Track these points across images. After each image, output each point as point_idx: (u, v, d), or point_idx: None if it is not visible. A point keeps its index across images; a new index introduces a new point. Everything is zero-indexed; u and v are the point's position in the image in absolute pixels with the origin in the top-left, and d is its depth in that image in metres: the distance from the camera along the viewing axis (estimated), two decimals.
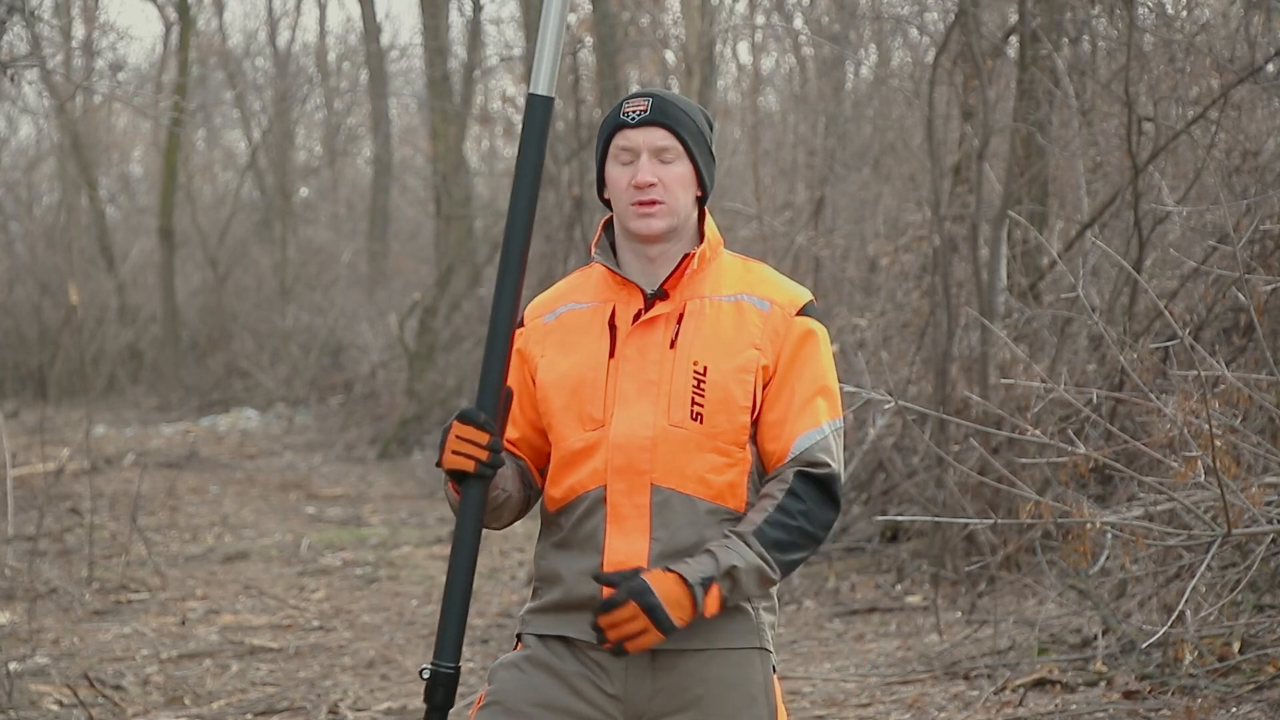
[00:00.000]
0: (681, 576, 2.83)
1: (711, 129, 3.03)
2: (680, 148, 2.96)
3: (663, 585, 2.82)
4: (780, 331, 2.97)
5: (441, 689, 2.89)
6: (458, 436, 2.89)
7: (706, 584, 2.83)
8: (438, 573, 9.73)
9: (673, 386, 2.94)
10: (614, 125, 2.98)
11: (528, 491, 3.07)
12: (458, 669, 2.91)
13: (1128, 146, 7.76)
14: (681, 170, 2.97)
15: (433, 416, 15.92)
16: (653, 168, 2.95)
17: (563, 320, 3.03)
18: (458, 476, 2.91)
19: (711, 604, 2.84)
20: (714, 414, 2.92)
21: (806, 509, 2.90)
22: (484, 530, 3.04)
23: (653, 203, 2.95)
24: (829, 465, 2.92)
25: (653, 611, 2.80)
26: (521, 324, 3.07)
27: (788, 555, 2.89)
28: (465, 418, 2.89)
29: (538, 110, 2.97)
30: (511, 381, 3.03)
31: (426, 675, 2.89)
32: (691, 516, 2.92)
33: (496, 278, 2.95)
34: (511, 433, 3.05)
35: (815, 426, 2.93)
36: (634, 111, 2.96)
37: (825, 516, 2.93)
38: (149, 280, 25.62)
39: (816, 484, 2.92)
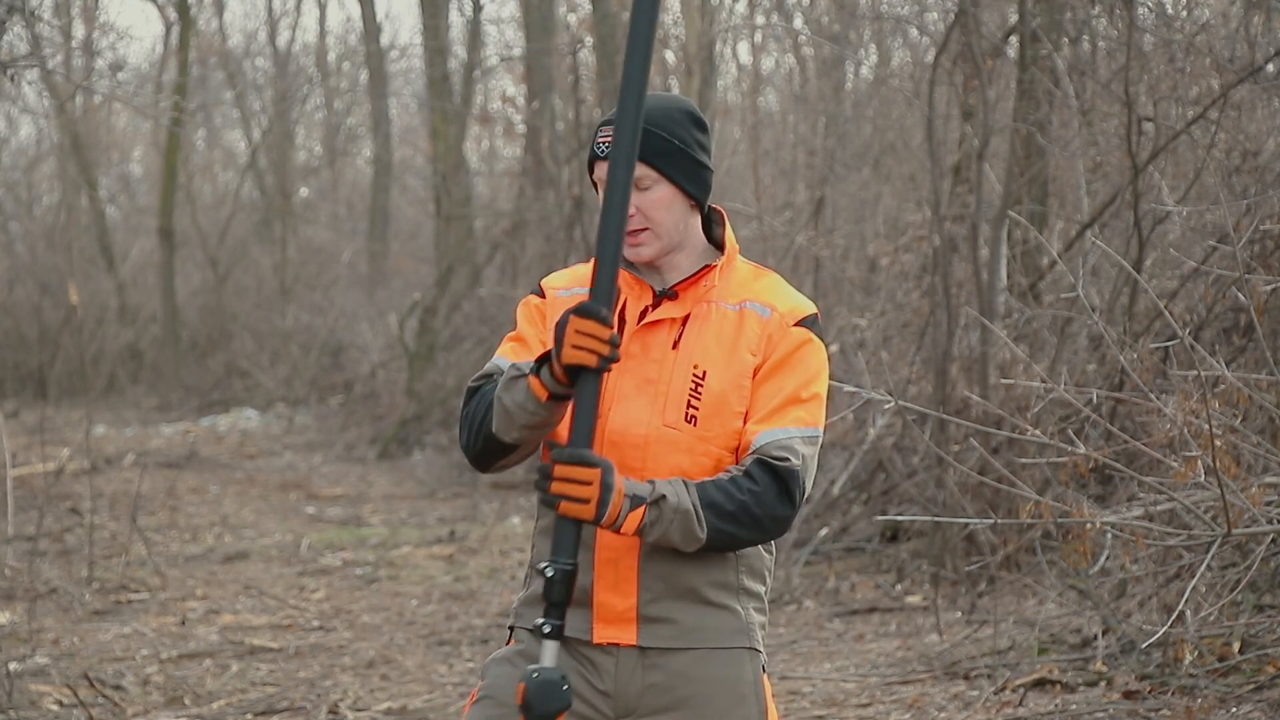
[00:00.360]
0: (621, 486, 2.84)
1: (702, 129, 2.99)
2: (655, 173, 2.94)
3: (616, 480, 2.82)
4: (774, 337, 2.97)
5: (562, 585, 2.83)
6: (578, 331, 2.80)
7: (636, 502, 2.82)
8: (438, 573, 9.74)
9: (670, 388, 2.94)
10: (590, 156, 2.98)
11: None
12: (576, 565, 2.85)
13: (1128, 146, 7.76)
14: (660, 194, 2.95)
15: (433, 416, 15.92)
16: (630, 198, 2.92)
17: (576, 300, 3.02)
18: (574, 372, 2.84)
19: (631, 522, 2.82)
20: (708, 418, 2.93)
21: (756, 490, 2.88)
22: (490, 462, 3.01)
23: (637, 232, 2.95)
24: (789, 460, 2.91)
25: (606, 490, 2.79)
26: (541, 294, 3.08)
27: (722, 523, 2.86)
28: (584, 312, 2.80)
29: (646, 2, 2.89)
30: (532, 328, 3.04)
31: (550, 573, 2.83)
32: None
33: (609, 173, 2.85)
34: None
35: (781, 427, 2.93)
36: (603, 143, 2.94)
37: (776, 508, 2.89)
38: (149, 280, 25.64)
39: (773, 474, 2.90)
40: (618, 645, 2.94)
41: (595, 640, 2.94)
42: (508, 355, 3.03)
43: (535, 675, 2.79)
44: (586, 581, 2.94)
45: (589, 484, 2.78)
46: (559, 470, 2.78)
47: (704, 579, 2.95)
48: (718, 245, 3.05)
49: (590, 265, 3.05)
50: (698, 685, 2.95)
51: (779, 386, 2.95)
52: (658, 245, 2.97)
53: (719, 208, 3.06)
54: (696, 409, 2.93)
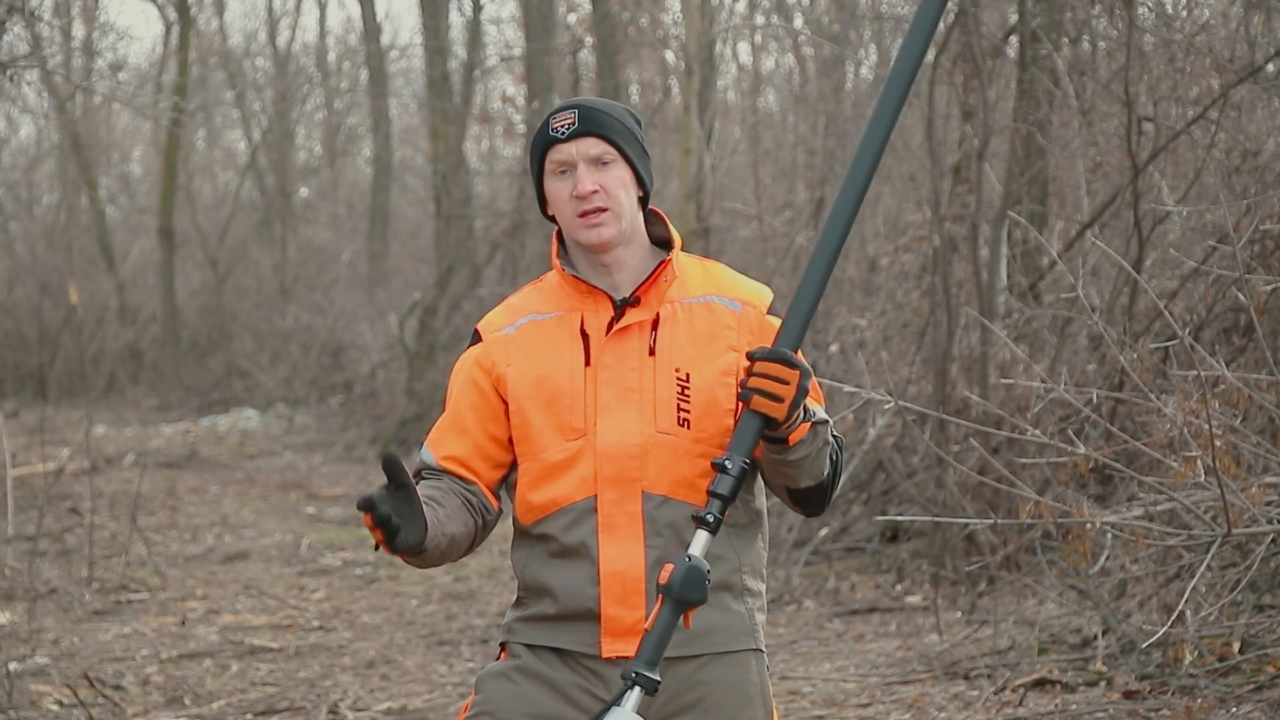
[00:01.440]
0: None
1: (640, 126, 3.02)
2: (615, 151, 2.95)
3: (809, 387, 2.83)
4: (755, 331, 2.98)
5: (737, 481, 2.83)
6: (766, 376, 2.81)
7: (809, 416, 2.85)
8: (438, 573, 9.73)
9: (657, 394, 2.93)
10: (545, 142, 2.96)
11: (481, 518, 3.00)
12: (751, 462, 2.87)
13: (1128, 146, 7.76)
14: (620, 173, 2.95)
15: (432, 416, 15.86)
16: (591, 175, 2.93)
17: (525, 331, 3.00)
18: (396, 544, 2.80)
19: (799, 433, 2.84)
20: (700, 419, 2.92)
21: (839, 456, 2.98)
22: (460, 553, 2.99)
23: (598, 210, 2.93)
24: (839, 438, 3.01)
25: (801, 393, 2.79)
26: (478, 339, 3.03)
27: (833, 471, 2.93)
28: (361, 509, 2.77)
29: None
30: (466, 396, 3.00)
31: (729, 465, 2.80)
32: (684, 522, 2.91)
33: (838, 208, 2.90)
34: (460, 447, 2.99)
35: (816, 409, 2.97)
36: (562, 126, 2.94)
37: (840, 477, 2.98)
38: (149, 280, 25.63)
39: (839, 446, 2.99)
40: (626, 658, 2.91)
41: (604, 655, 2.92)
42: (433, 448, 3.00)
43: (688, 560, 2.78)
44: (592, 596, 2.91)
45: (788, 384, 2.77)
46: (760, 366, 2.78)
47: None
48: (660, 244, 3.05)
49: (525, 292, 3.06)
50: (705, 689, 2.94)
51: None
52: (617, 227, 2.95)
53: (655, 208, 3.07)
54: (688, 412, 2.92)
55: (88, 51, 21.83)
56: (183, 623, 8.31)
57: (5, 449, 9.56)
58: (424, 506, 2.83)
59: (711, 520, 2.81)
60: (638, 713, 2.81)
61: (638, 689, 2.79)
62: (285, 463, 16.13)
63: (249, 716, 6.51)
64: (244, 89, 26.55)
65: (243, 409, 21.27)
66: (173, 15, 24.67)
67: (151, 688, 6.95)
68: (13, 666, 6.79)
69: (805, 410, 2.83)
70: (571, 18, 17.00)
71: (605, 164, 2.94)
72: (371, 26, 22.76)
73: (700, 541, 2.81)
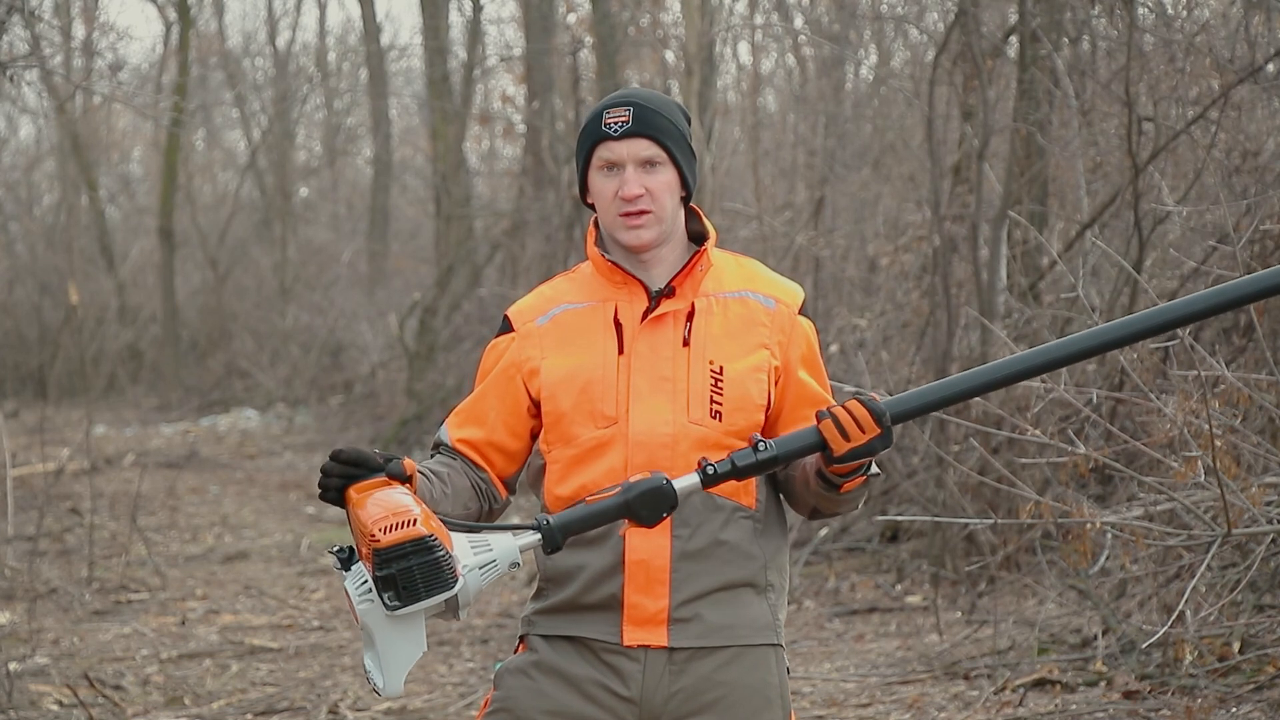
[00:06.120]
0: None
1: (689, 123, 3.01)
2: (665, 155, 2.94)
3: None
4: (787, 330, 2.98)
5: (769, 464, 2.85)
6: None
7: (868, 471, 2.87)
8: None
9: (690, 385, 2.92)
10: (595, 137, 2.95)
11: (489, 504, 3.01)
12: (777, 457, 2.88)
13: (1128, 146, 7.76)
14: (667, 177, 2.95)
15: (433, 416, 15.92)
16: (639, 177, 2.93)
17: (559, 321, 2.99)
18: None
19: (852, 484, 2.87)
20: (732, 412, 2.92)
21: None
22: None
23: (641, 213, 2.93)
24: None
25: (869, 450, 2.79)
26: (509, 328, 3.03)
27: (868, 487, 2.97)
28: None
29: None
30: (493, 387, 3.01)
31: (762, 449, 2.81)
32: (710, 514, 2.91)
33: None
34: (477, 435, 3.00)
35: None
36: (616, 123, 2.93)
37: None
38: (149, 280, 25.64)
39: None
40: (647, 648, 2.91)
41: (626, 643, 2.91)
42: (450, 429, 3.03)
43: (665, 482, 2.77)
44: (616, 584, 2.90)
45: (863, 434, 2.78)
46: (853, 404, 2.79)
47: (733, 577, 2.93)
48: (695, 239, 3.05)
49: (556, 282, 3.05)
50: (725, 689, 2.93)
51: (811, 380, 2.99)
52: (658, 230, 2.95)
53: (693, 205, 3.07)
54: (720, 404, 2.92)
55: (87, 51, 21.80)
56: (183, 623, 8.31)
57: (5, 449, 9.56)
58: (422, 479, 2.87)
59: (711, 473, 2.79)
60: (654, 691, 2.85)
61: (538, 535, 2.77)
62: (285, 463, 16.13)
63: (249, 716, 6.51)
64: (244, 89, 26.55)
65: (243, 409, 21.27)
66: (173, 15, 24.68)
67: (151, 688, 6.95)
68: (13, 666, 6.79)
69: (868, 467, 2.86)
70: (571, 18, 16.99)
71: (654, 166, 2.94)
72: (371, 26, 22.76)
73: (688, 482, 2.80)
